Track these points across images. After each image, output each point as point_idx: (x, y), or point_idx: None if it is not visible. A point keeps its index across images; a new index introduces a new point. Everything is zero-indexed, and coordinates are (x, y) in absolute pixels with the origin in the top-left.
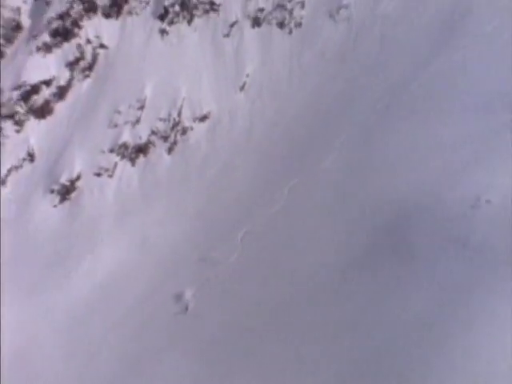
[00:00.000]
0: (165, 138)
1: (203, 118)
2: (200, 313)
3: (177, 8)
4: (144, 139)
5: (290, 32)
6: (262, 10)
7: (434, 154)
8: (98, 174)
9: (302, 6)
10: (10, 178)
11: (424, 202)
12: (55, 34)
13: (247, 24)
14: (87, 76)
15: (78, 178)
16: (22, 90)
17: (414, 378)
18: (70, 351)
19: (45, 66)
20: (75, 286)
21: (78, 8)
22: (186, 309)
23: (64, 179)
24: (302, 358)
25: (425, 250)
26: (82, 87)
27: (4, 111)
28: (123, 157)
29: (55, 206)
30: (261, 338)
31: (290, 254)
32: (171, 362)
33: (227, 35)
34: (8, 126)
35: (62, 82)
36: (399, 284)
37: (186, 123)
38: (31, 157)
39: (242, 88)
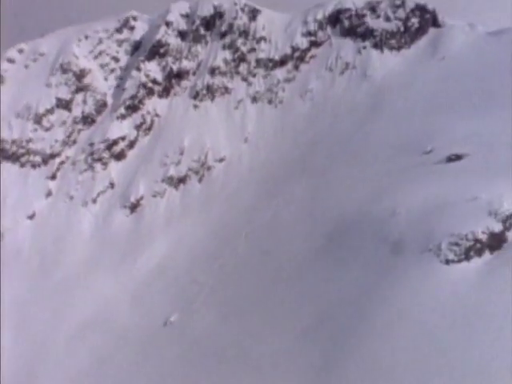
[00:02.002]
0: (196, 173)
1: (221, 160)
2: (215, 289)
3: (204, 91)
4: (183, 173)
5: (276, 106)
6: (258, 92)
7: (365, 182)
8: (154, 196)
9: (283, 90)
10: (98, 199)
11: (358, 214)
12: (128, 108)
13: (248, 101)
14: (147, 134)
15: (141, 198)
16: (107, 143)
17: (352, 325)
18: (135, 306)
19: (121, 128)
20: (139, 267)
21: (142, 92)
22: (203, 287)
23: (133, 199)
24: (280, 312)
25: (358, 245)
26: (144, 141)
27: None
28: (170, 185)
29: (127, 216)
30: (257, 302)
31: (275, 249)
32: (200, 315)
33: (236, 108)
34: (97, 165)
35: (132, 138)
36: (340, 269)
37: (210, 163)
38: (112, 185)
39: (245, 141)
